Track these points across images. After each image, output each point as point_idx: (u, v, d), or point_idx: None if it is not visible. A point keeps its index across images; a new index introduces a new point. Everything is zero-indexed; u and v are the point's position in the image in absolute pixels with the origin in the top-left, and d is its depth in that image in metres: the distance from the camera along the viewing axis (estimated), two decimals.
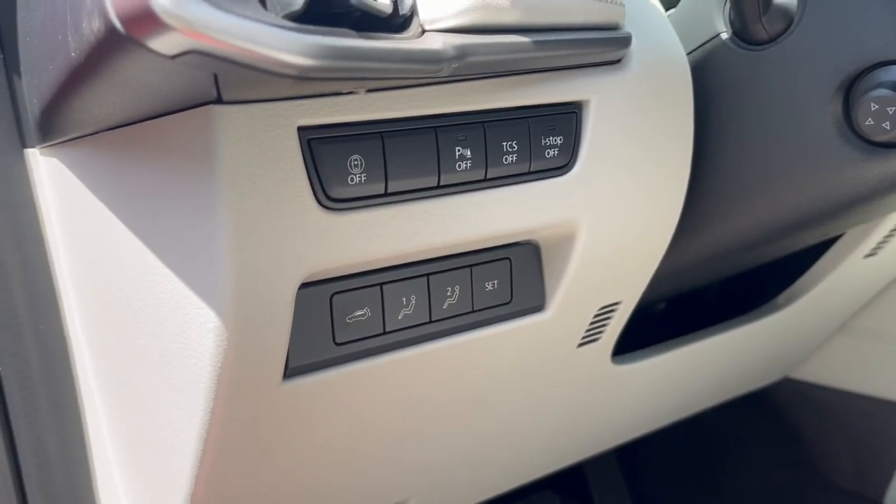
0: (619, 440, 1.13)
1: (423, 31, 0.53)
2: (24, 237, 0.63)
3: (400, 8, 0.50)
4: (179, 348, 0.57)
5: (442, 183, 0.61)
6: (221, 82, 0.49)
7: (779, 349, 1.24)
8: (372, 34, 0.47)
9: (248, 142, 0.52)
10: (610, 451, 1.18)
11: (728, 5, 0.81)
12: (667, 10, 0.84)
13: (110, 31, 0.41)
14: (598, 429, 1.06)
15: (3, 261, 0.63)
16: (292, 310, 0.57)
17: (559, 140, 0.67)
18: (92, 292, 0.63)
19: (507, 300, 0.70)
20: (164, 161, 0.55)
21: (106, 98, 0.51)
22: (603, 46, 0.67)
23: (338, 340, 0.61)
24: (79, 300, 0.65)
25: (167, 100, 0.52)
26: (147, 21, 0.39)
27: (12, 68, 0.61)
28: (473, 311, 0.68)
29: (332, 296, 0.60)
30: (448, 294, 0.66)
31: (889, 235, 1.06)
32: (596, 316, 0.80)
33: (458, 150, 0.61)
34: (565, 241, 0.71)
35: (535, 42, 0.58)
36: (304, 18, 0.44)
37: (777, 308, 1.11)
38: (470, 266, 0.67)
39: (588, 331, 0.81)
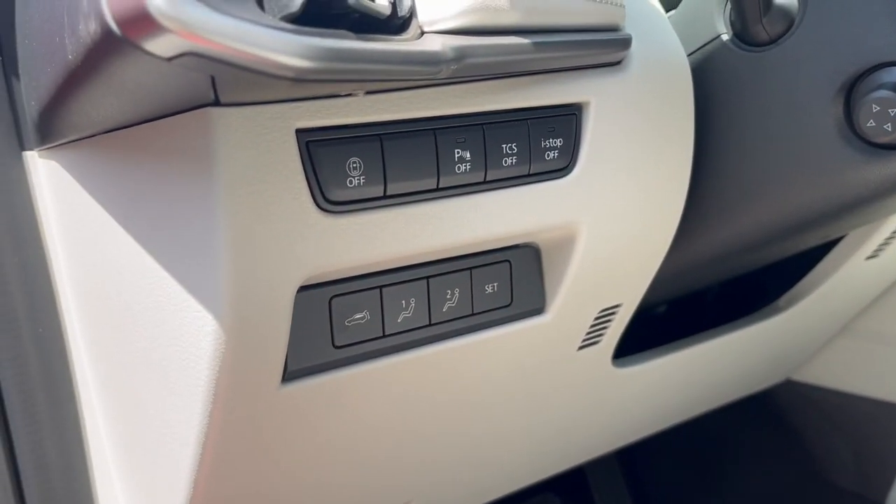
0: (620, 443, 1.13)
1: (422, 33, 0.52)
2: (23, 240, 0.63)
3: (399, 9, 0.50)
4: (178, 351, 0.57)
5: (441, 185, 0.61)
6: (219, 84, 0.49)
7: (780, 351, 1.24)
8: (370, 36, 0.47)
9: (246, 144, 0.52)
10: (611, 454, 1.17)
11: (729, 6, 0.81)
12: (667, 11, 0.83)
13: (106, 33, 0.41)
14: (599, 431, 1.05)
15: (2, 264, 0.63)
16: (291, 313, 0.57)
17: (559, 142, 0.66)
18: (90, 295, 0.63)
19: (508, 303, 0.70)
20: (162, 163, 0.54)
21: (103, 100, 0.51)
22: (603, 48, 0.66)
23: (337, 343, 0.61)
24: (77, 303, 0.64)
25: (164, 102, 0.51)
26: (143, 23, 0.39)
27: (10, 70, 0.61)
28: (473, 314, 0.68)
29: (331, 299, 0.60)
30: (448, 297, 0.66)
31: (890, 237, 1.05)
32: (596, 318, 0.79)
33: (458, 153, 0.61)
34: (565, 244, 0.71)
35: (535, 44, 0.58)
36: (302, 20, 0.44)
37: (778, 310, 1.11)
38: (470, 269, 0.67)
39: (588, 333, 0.81)
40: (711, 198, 0.82)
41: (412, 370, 0.67)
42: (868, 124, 0.72)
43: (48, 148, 0.61)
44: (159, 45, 0.40)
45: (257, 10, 0.42)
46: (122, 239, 0.58)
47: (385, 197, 0.58)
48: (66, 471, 0.67)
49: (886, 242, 1.06)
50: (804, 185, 0.78)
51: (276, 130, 0.53)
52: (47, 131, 0.60)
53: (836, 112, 0.74)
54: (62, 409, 0.66)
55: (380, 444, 0.73)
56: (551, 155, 0.66)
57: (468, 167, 0.61)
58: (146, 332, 0.59)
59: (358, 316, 0.62)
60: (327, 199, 0.56)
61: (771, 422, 1.48)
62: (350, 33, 0.46)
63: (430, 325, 0.65)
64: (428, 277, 0.64)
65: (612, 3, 0.65)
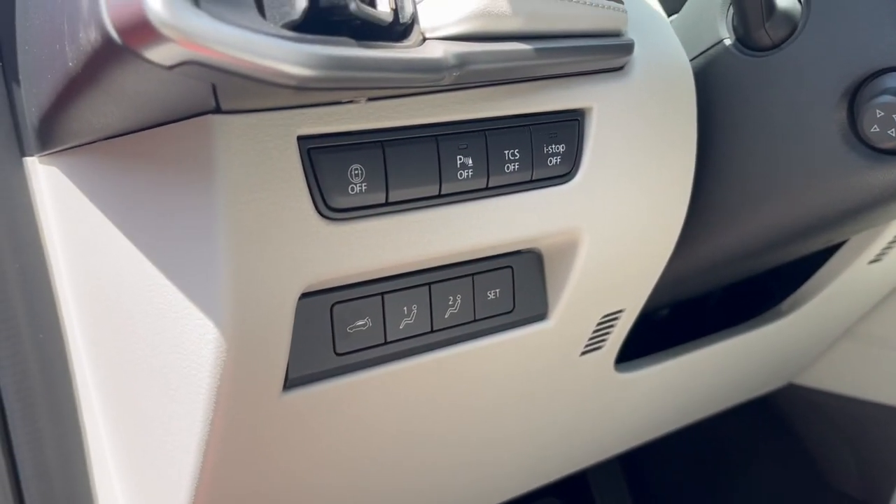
0: (622, 447, 1.13)
1: (424, 40, 0.52)
2: (23, 246, 0.63)
3: (400, 16, 0.50)
4: (179, 359, 0.57)
5: (443, 192, 0.60)
6: (220, 92, 0.49)
7: (783, 355, 1.24)
8: (372, 43, 0.47)
9: (248, 151, 0.51)
10: (614, 459, 1.17)
11: (731, 11, 0.81)
12: (669, 15, 0.83)
13: (107, 41, 0.41)
14: (602, 436, 1.05)
15: (3, 269, 0.62)
16: (292, 320, 0.57)
17: (561, 148, 0.66)
18: (91, 301, 0.63)
19: (510, 309, 0.70)
20: (163, 170, 0.54)
21: (104, 108, 0.51)
22: (605, 53, 0.66)
23: (338, 351, 0.61)
24: (78, 309, 0.64)
25: (165, 109, 0.51)
26: (143, 31, 0.39)
27: (11, 76, 0.61)
28: (475, 321, 0.68)
29: (333, 306, 0.60)
30: (450, 303, 0.66)
31: (893, 241, 1.05)
32: (599, 324, 0.79)
33: (460, 159, 0.61)
34: (568, 250, 0.70)
35: (537, 49, 0.58)
36: (303, 27, 0.43)
37: (781, 314, 1.10)
38: (472, 275, 0.66)
39: (591, 339, 0.80)
40: (714, 203, 0.81)
41: (414, 377, 0.67)
42: (872, 129, 0.72)
43: (49, 154, 0.61)
44: (160, 54, 0.40)
45: (258, 17, 0.42)
46: (122, 245, 0.58)
47: (387, 204, 0.58)
48: (67, 476, 0.67)
49: (889, 246, 1.06)
50: (807, 191, 0.77)
51: (277, 137, 0.53)
52: (48, 137, 0.60)
53: (839, 117, 0.74)
54: (62, 416, 0.66)
55: (382, 451, 0.73)
56: (554, 161, 0.66)
57: (470, 174, 0.61)
58: (147, 339, 0.59)
59: (360, 323, 0.61)
60: (329, 207, 0.55)
61: (773, 426, 1.48)
62: (352, 40, 0.45)
63: (432, 331, 0.65)
64: (430, 284, 0.64)
65: (614, 9, 0.65)
